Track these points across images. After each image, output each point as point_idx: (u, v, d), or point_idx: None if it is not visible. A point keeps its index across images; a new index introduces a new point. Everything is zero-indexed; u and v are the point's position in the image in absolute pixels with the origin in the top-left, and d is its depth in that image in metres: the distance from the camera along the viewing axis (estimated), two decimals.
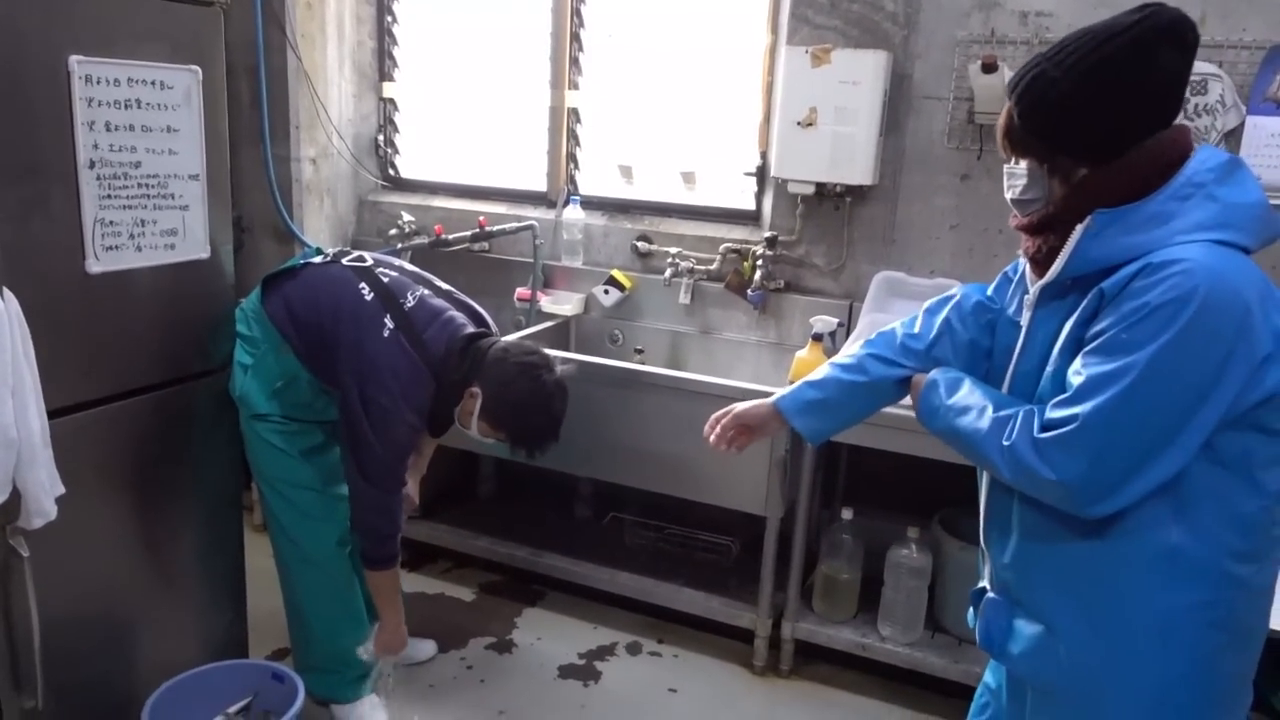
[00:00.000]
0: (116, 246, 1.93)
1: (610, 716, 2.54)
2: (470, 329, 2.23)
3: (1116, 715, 1.31)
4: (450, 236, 3.29)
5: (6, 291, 1.69)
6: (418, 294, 2.22)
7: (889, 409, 1.62)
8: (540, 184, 3.44)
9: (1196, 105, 2.44)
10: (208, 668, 2.20)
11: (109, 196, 1.89)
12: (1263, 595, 1.31)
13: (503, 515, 3.28)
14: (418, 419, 2.16)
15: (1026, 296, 1.38)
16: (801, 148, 2.77)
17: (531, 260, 3.29)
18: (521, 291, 3.29)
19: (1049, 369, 1.31)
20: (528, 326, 3.21)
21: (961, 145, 2.75)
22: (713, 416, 1.69)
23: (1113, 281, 1.22)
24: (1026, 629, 1.37)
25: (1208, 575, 1.25)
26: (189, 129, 2.03)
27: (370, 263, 2.29)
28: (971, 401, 1.37)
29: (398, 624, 2.34)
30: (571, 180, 3.42)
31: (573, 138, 3.40)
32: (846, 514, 2.70)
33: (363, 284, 2.20)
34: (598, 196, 3.36)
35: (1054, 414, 1.24)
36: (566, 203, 3.30)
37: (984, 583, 1.48)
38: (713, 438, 1.68)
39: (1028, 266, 1.39)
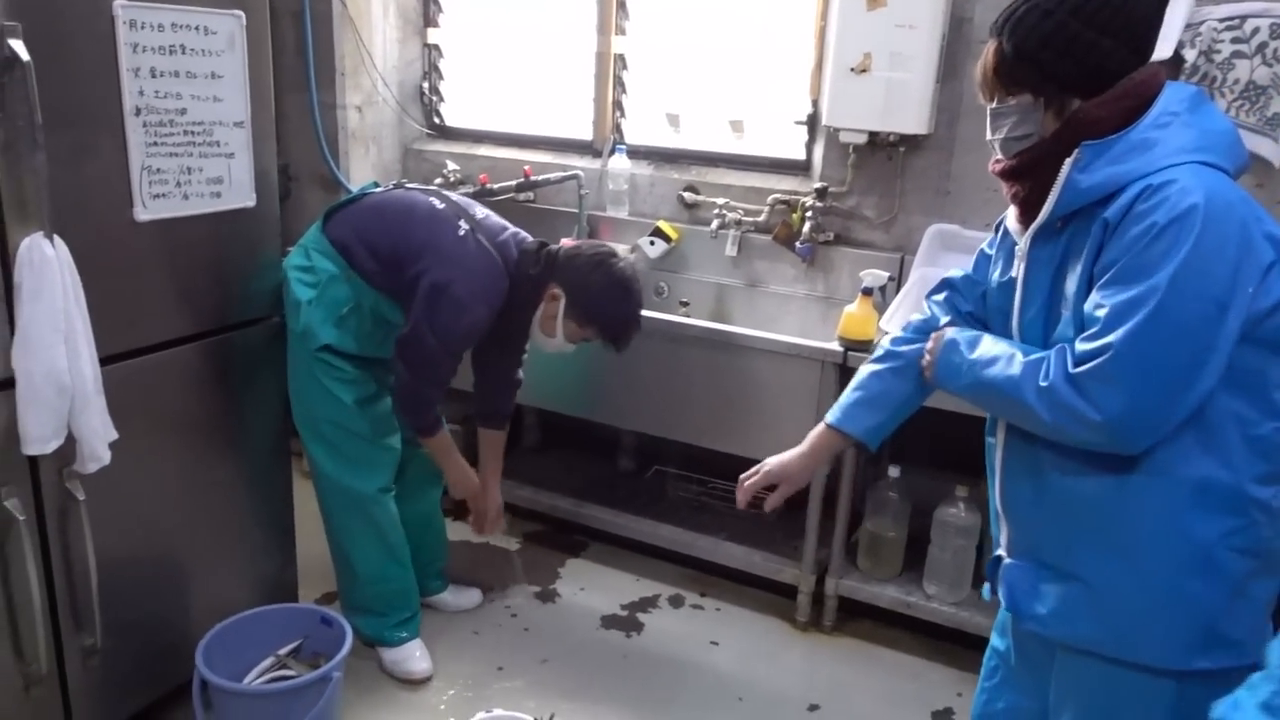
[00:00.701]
0: (163, 194, 1.93)
1: (652, 667, 2.56)
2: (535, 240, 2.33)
3: (1157, 657, 1.29)
4: (495, 186, 3.26)
5: (57, 239, 1.70)
6: (484, 212, 2.33)
7: None
8: (586, 132, 3.39)
9: (1277, 50, 2.31)
10: (259, 610, 2.24)
11: (155, 144, 1.89)
12: None
13: (546, 466, 3.29)
14: (486, 315, 2.20)
15: (1017, 248, 1.38)
16: (854, 95, 2.68)
17: (576, 210, 3.25)
18: (566, 242, 3.25)
19: (1066, 313, 1.31)
20: None
21: None
22: (741, 478, 1.71)
23: (1115, 209, 1.23)
24: (1055, 588, 1.35)
25: (1236, 502, 1.25)
26: (233, 75, 2.02)
27: (433, 188, 2.38)
28: (997, 351, 1.37)
29: (459, 474, 2.46)
30: (618, 129, 3.36)
31: (619, 85, 3.33)
32: (893, 471, 2.66)
33: (431, 199, 2.29)
34: (644, 146, 3.31)
35: (1085, 347, 1.24)
36: (612, 152, 3.25)
37: (1000, 551, 1.46)
38: (740, 500, 1.70)
39: (1013, 216, 1.41)
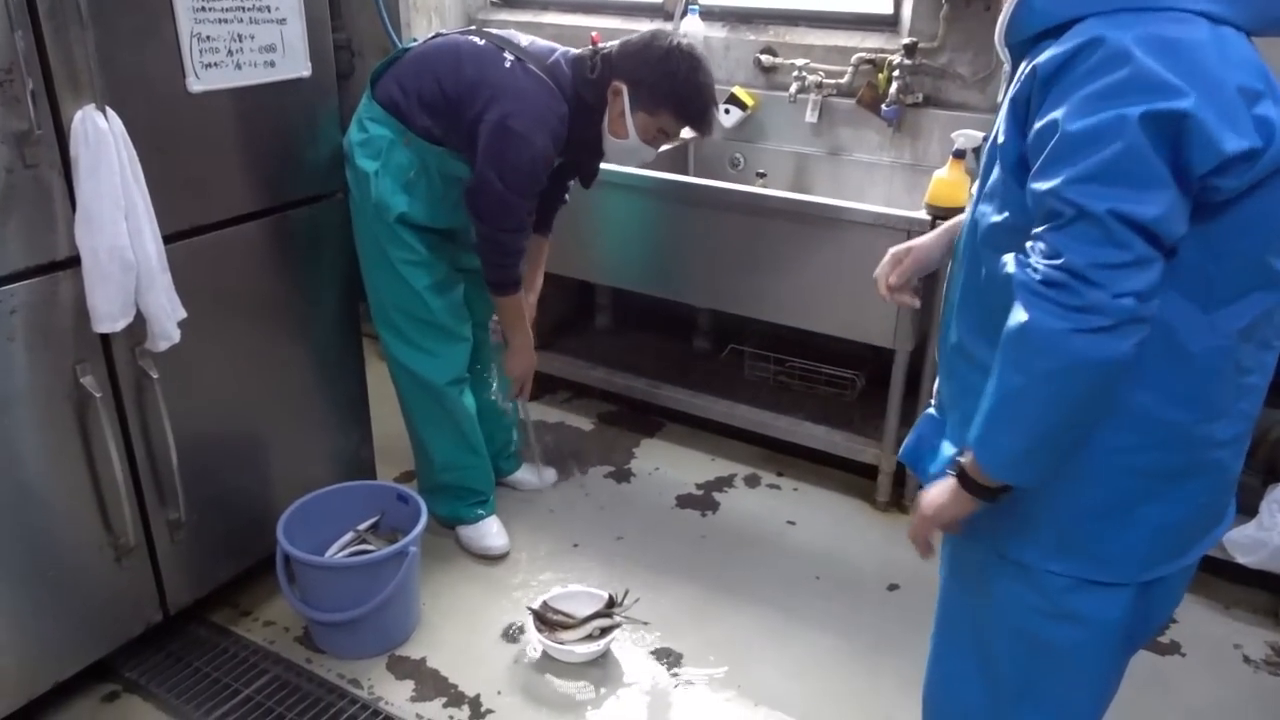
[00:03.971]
0: (216, 64, 1.86)
1: (728, 546, 2.54)
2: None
3: (1017, 551, 1.19)
4: None
5: (110, 111, 1.66)
6: (527, 39, 2.18)
7: None
8: None
9: None
10: (337, 487, 2.27)
11: (203, 9, 1.80)
12: (1212, 447, 1.12)
13: (620, 346, 3.24)
14: (550, 146, 2.07)
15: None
16: None
17: None
18: None
19: (993, 139, 1.11)
20: None
21: None
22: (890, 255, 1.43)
23: (1046, 61, 0.99)
24: (947, 450, 1.25)
25: (1136, 419, 1.08)
26: None
27: (471, 28, 2.25)
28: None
29: (523, 345, 2.39)
30: None
31: None
32: None
33: (472, 38, 2.16)
34: (719, 5, 3.10)
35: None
36: (684, 13, 3.05)
37: (932, 401, 1.35)
38: (885, 291, 1.43)
39: None
